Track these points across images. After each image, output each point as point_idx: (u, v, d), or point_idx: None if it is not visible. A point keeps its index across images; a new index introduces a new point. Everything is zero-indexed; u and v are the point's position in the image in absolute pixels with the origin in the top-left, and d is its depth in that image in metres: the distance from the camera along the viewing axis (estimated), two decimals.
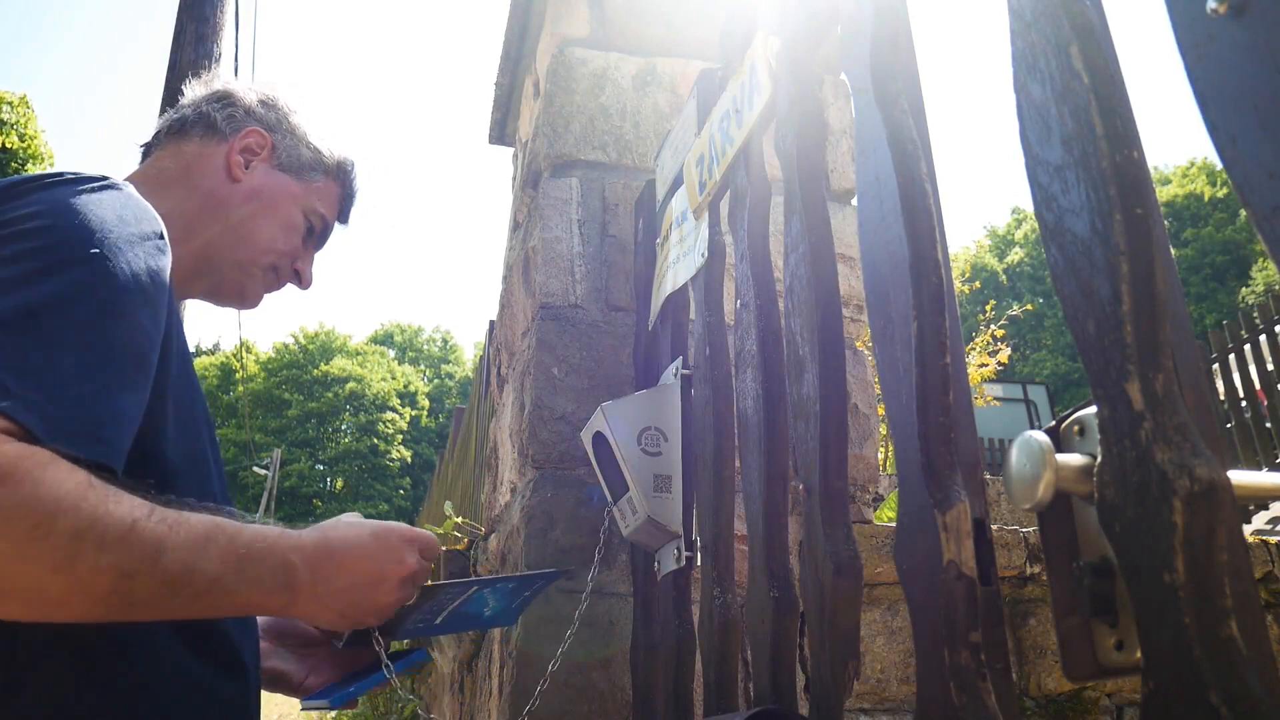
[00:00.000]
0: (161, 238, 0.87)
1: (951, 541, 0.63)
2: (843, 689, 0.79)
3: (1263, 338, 6.83)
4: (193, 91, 1.18)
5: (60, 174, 0.84)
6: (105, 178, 0.87)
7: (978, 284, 22.09)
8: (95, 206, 0.82)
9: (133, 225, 0.83)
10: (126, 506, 0.73)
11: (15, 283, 0.73)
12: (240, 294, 1.15)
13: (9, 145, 16.12)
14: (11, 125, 16.43)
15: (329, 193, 1.21)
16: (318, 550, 0.87)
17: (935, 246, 0.70)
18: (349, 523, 0.92)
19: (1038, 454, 0.53)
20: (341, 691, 1.09)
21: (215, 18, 5.83)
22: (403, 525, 0.96)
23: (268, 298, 1.20)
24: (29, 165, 16.28)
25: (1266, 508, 5.59)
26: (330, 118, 1.24)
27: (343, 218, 1.25)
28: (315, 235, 1.20)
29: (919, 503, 0.68)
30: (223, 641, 0.91)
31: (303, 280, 1.20)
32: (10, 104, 16.59)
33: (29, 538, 0.67)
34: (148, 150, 1.13)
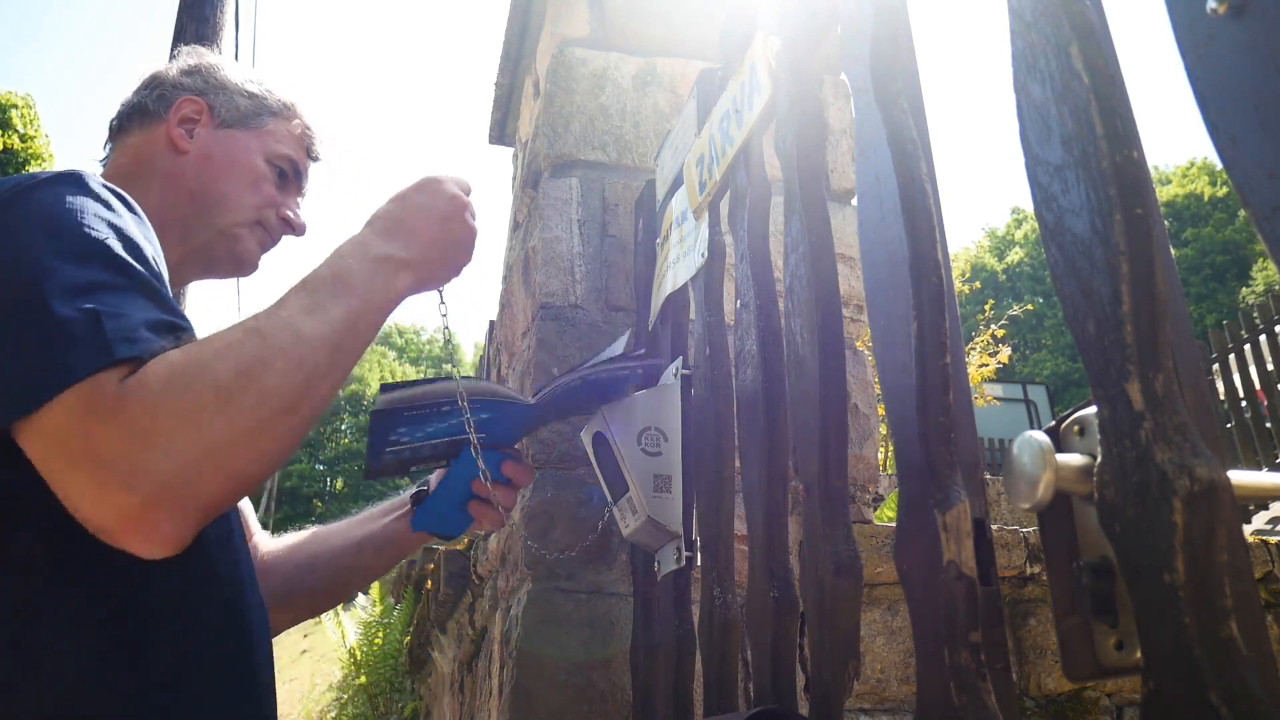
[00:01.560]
0: (136, 212, 0.90)
1: (951, 541, 0.63)
2: (843, 689, 0.79)
3: (1263, 338, 6.83)
4: (127, 92, 1.19)
5: (29, 179, 0.86)
6: (72, 171, 0.89)
7: (978, 284, 22.07)
8: (76, 198, 0.84)
9: (115, 205, 0.87)
10: (237, 330, 0.80)
11: (63, 276, 0.77)
12: (236, 260, 1.14)
13: (10, 146, 16.07)
14: (14, 128, 16.39)
15: (284, 133, 1.19)
16: (387, 229, 0.95)
17: (935, 247, 0.70)
18: (393, 199, 0.99)
19: (1038, 454, 0.53)
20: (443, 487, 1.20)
21: (215, 18, 5.83)
22: (430, 175, 1.03)
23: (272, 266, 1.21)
24: (29, 166, 16.24)
25: (1266, 508, 5.60)
26: (263, 73, 1.23)
27: (312, 154, 1.23)
28: (291, 179, 1.19)
29: (919, 503, 0.68)
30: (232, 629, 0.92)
31: (295, 226, 1.19)
32: (15, 106, 16.53)
33: (220, 412, 0.74)
34: (105, 163, 1.14)
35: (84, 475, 0.72)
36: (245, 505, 1.19)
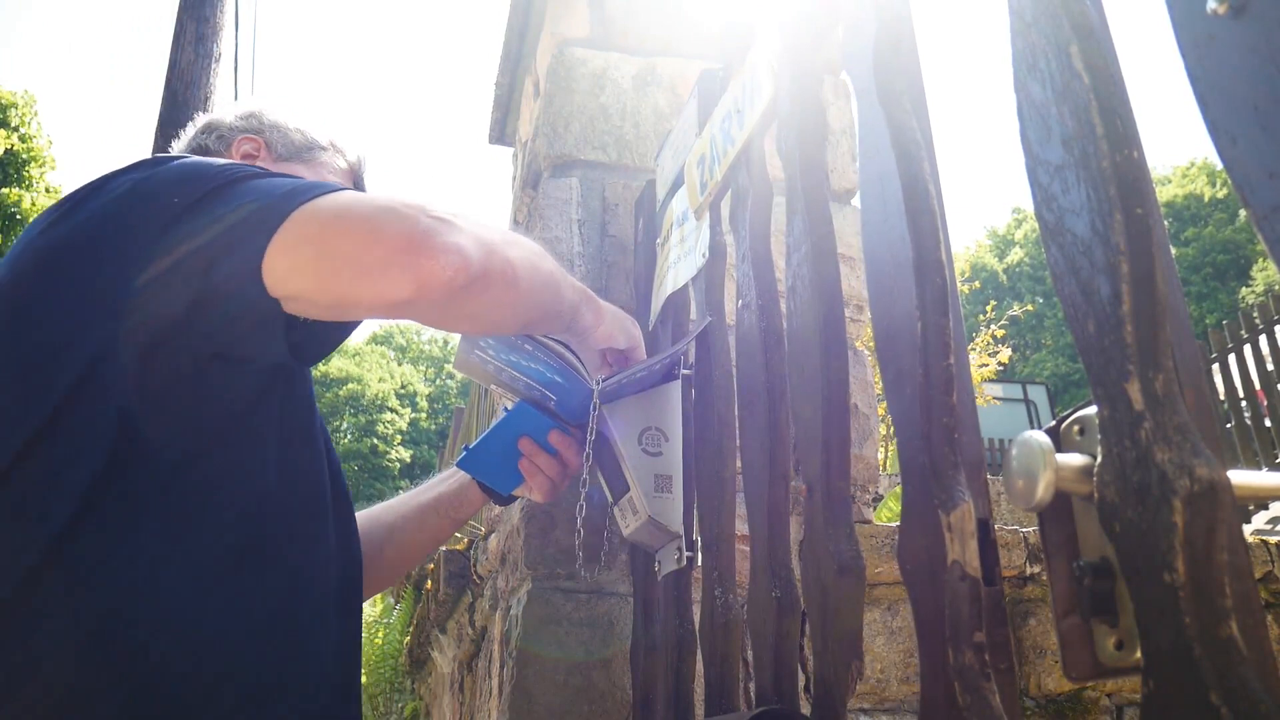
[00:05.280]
0: None
1: (955, 542, 0.63)
2: (845, 689, 0.79)
3: (1263, 338, 6.83)
4: (181, 139, 1.29)
5: (143, 161, 0.99)
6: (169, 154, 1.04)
7: (977, 284, 22.06)
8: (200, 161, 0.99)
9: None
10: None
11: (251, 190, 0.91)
12: None
13: (10, 146, 15.96)
14: (14, 127, 16.28)
15: (334, 166, 1.29)
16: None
17: (939, 247, 0.70)
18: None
19: (1038, 454, 0.53)
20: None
21: (215, 18, 5.83)
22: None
23: None
24: (29, 166, 16.16)
25: (1266, 508, 5.60)
26: (308, 111, 1.33)
27: (360, 187, 1.32)
28: None
29: (923, 503, 0.68)
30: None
31: None
32: (15, 105, 16.43)
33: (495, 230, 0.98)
34: None
35: (380, 223, 0.86)
36: None
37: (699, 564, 1.20)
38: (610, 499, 1.37)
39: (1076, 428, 0.57)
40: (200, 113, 5.29)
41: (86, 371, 0.86)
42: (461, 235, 0.89)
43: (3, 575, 0.81)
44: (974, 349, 7.34)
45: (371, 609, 5.79)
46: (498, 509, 2.03)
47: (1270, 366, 6.65)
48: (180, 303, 0.86)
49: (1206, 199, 32.84)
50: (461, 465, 1.31)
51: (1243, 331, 7.05)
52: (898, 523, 0.78)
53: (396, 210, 0.87)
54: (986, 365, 7.12)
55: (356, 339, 40.47)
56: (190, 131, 1.28)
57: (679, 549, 1.26)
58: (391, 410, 35.94)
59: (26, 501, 0.83)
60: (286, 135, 1.26)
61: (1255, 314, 7.03)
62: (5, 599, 0.80)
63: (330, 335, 0.97)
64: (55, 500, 0.83)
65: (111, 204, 0.91)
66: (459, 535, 2.59)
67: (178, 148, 1.26)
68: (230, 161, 0.95)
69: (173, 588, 0.85)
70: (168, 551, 0.86)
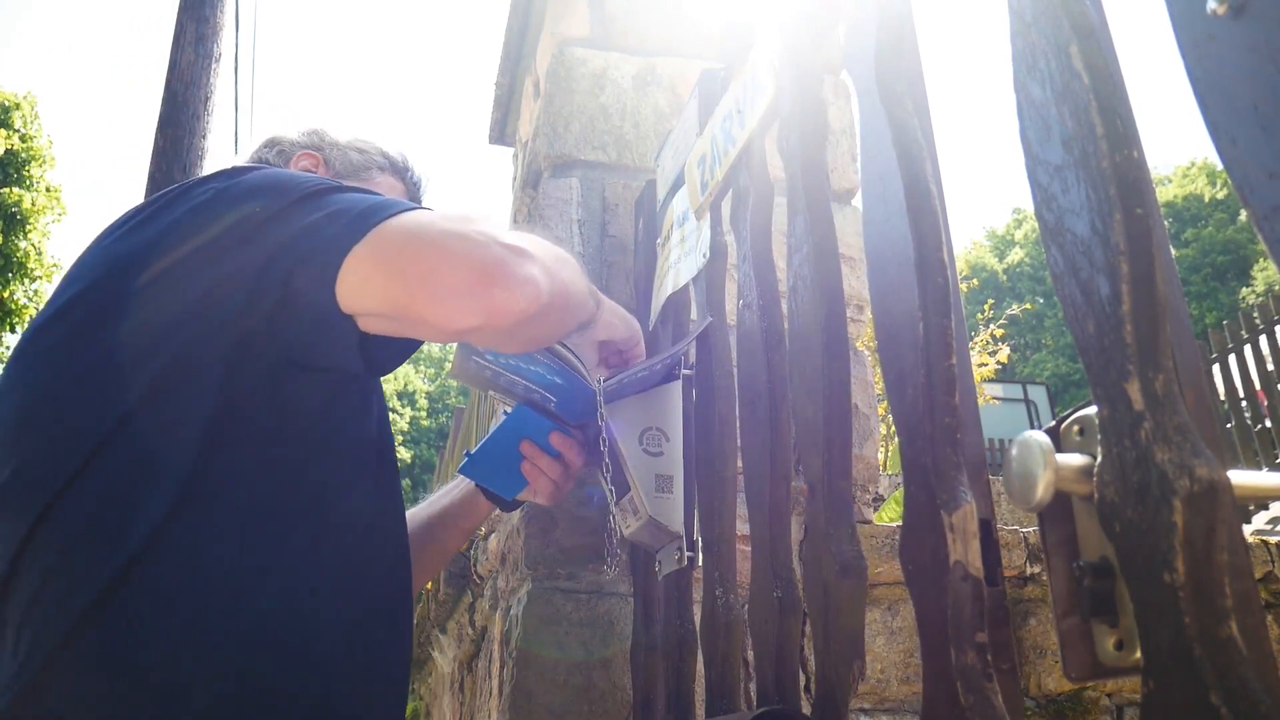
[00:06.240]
0: None
1: (958, 542, 0.63)
2: (847, 689, 0.79)
3: (1263, 338, 6.82)
4: (245, 154, 1.37)
5: (218, 174, 1.02)
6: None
7: (975, 283, 22.08)
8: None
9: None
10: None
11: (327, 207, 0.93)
12: None
13: (11, 147, 15.91)
14: (14, 127, 16.23)
15: (392, 187, 1.32)
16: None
17: (941, 248, 0.70)
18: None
19: (1038, 454, 0.53)
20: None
21: (215, 18, 5.83)
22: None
23: None
24: (29, 166, 16.14)
25: (1266, 508, 5.59)
26: (369, 132, 1.37)
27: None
28: None
29: (925, 503, 0.68)
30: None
31: None
32: (16, 106, 16.38)
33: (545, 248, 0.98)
34: None
35: (454, 249, 0.86)
36: None
37: (699, 564, 1.20)
38: (611, 499, 1.37)
39: (1076, 428, 0.57)
40: (201, 112, 5.30)
41: (169, 374, 0.88)
42: (534, 265, 0.91)
43: (99, 566, 0.82)
44: (973, 348, 7.34)
45: None
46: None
47: (1270, 366, 6.65)
48: (262, 309, 0.88)
49: (1206, 199, 32.82)
50: (464, 471, 1.31)
51: (1243, 331, 7.04)
52: (898, 523, 0.78)
53: (470, 237, 0.88)
54: (986, 365, 7.12)
55: None
56: (253, 146, 1.34)
57: (679, 549, 1.26)
58: (392, 410, 35.91)
59: (116, 495, 0.85)
60: (345, 154, 1.30)
61: (1255, 314, 7.03)
62: (109, 585, 0.82)
63: (401, 347, 0.98)
64: (146, 498, 0.85)
65: (192, 212, 0.93)
66: None
67: (241, 163, 1.29)
68: (311, 173, 0.99)
69: (266, 578, 0.88)
70: (259, 542, 0.88)
